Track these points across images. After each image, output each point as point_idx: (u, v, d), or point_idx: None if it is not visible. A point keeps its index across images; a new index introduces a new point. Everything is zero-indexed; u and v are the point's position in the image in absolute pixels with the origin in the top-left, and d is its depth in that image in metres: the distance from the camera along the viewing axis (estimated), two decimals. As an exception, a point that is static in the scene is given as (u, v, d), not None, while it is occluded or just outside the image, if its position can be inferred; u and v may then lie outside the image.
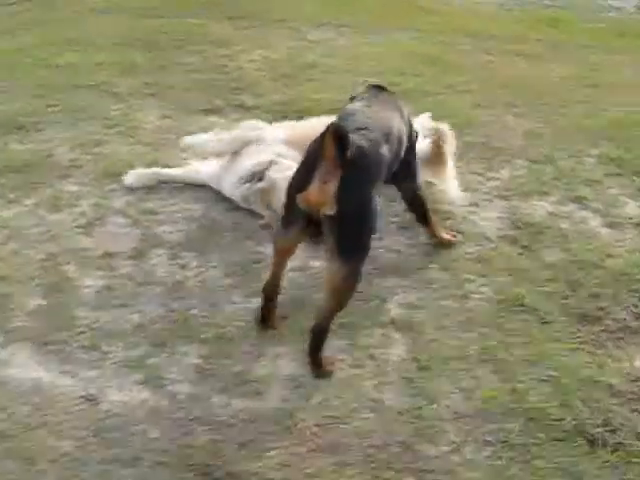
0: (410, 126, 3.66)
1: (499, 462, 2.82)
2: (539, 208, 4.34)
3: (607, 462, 2.84)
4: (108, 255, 3.82)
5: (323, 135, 2.87)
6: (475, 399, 3.09)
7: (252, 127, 4.36)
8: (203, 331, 3.36)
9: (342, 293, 3.11)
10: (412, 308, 3.57)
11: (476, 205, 4.35)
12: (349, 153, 2.86)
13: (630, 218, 4.30)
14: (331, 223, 2.96)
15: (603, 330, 3.47)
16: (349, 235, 3.01)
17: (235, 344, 3.31)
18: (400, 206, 4.07)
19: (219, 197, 4.31)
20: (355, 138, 2.96)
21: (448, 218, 4.20)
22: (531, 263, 3.89)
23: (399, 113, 3.56)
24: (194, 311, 3.49)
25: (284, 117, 5.14)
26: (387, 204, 4.11)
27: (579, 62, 6.78)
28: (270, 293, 3.38)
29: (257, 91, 5.67)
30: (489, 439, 2.92)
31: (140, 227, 4.06)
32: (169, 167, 4.53)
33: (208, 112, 5.35)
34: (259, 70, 6.11)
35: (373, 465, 2.79)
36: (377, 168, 3.17)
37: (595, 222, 4.26)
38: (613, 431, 2.95)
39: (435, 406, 3.03)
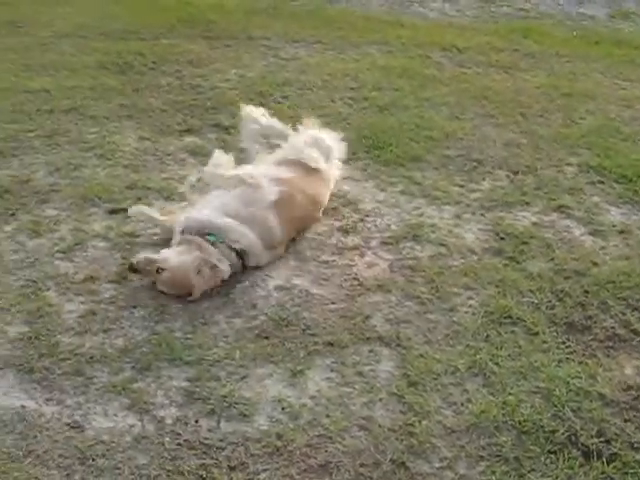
0: None
1: (493, 477, 2.78)
2: (522, 218, 4.34)
3: (603, 474, 2.80)
4: (90, 279, 3.75)
5: None
6: (466, 413, 3.05)
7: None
8: (188, 353, 3.31)
9: None
10: (398, 323, 3.53)
11: (458, 217, 4.35)
12: None
13: (613, 225, 4.31)
14: None
15: (592, 339, 3.46)
16: None
17: (220, 366, 3.26)
18: (383, 221, 4.06)
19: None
20: None
21: (432, 232, 4.18)
22: (516, 274, 3.87)
23: None
24: (178, 333, 3.43)
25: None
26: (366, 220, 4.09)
27: (555, 71, 6.84)
28: None
29: (233, 110, 5.63)
30: (482, 454, 2.88)
31: (121, 250, 3.99)
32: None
33: (185, 133, 5.32)
34: (234, 89, 6.09)
35: (366, 484, 2.75)
36: None
37: (579, 231, 4.27)
38: (608, 442, 2.93)
39: (426, 422, 2.99)
